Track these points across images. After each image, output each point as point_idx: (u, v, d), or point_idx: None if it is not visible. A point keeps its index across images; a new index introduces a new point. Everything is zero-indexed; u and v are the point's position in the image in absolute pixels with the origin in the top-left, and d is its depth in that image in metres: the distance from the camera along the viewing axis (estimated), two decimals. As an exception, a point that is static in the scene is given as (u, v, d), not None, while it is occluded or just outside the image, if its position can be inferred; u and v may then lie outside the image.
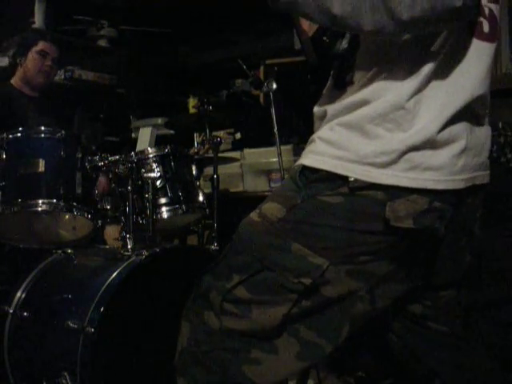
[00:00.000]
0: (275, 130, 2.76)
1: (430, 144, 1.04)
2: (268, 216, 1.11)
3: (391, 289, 1.13)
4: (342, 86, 1.11)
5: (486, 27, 1.12)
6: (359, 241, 1.06)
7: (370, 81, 1.07)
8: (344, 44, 1.12)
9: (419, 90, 1.04)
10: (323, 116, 1.14)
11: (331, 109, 1.12)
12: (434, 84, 1.05)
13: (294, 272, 1.06)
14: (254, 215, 1.14)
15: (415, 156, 1.04)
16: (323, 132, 1.12)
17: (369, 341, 1.34)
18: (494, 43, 1.14)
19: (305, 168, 1.10)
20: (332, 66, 1.17)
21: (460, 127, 1.07)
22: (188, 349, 1.14)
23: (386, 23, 0.96)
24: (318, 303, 1.08)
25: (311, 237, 1.07)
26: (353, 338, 1.14)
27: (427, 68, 1.04)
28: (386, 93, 1.05)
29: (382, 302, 1.13)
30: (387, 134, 1.04)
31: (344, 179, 1.05)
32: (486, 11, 1.12)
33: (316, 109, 1.19)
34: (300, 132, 3.40)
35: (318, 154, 1.10)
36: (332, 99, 1.13)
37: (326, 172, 1.07)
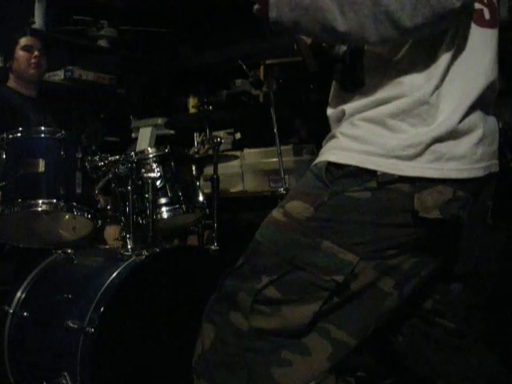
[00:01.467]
0: (275, 130, 2.76)
1: (453, 134, 1.06)
2: (294, 215, 1.10)
3: (416, 283, 1.13)
4: (353, 89, 1.12)
5: (486, 14, 1.13)
6: (387, 235, 1.06)
7: (386, 82, 1.07)
8: (343, 47, 1.13)
9: (439, 83, 1.06)
10: (340, 116, 1.14)
11: (349, 107, 1.11)
12: (451, 76, 1.07)
13: (326, 270, 1.06)
14: (277, 215, 1.13)
15: (439, 147, 1.05)
16: (345, 128, 1.11)
17: (369, 341, 1.33)
18: (496, 28, 1.16)
19: (330, 164, 1.10)
20: (333, 70, 1.17)
21: (476, 116, 1.09)
22: (212, 351, 1.12)
23: (391, 33, 0.98)
24: (348, 299, 1.08)
25: (341, 234, 1.06)
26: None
27: (442, 61, 1.06)
28: (407, 91, 1.06)
29: (408, 297, 1.13)
30: (411, 128, 1.05)
31: (372, 173, 1.05)
32: None
33: (330, 111, 1.19)
34: (300, 135, 3.41)
35: (344, 150, 1.09)
36: (346, 100, 1.13)
37: (353, 167, 1.07)
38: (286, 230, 1.10)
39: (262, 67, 4.13)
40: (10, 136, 2.06)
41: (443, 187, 1.05)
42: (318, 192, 1.09)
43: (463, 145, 1.07)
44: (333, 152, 1.11)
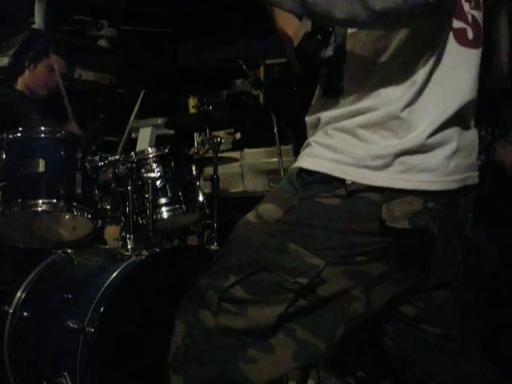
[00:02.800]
0: (275, 130, 2.76)
1: (423, 148, 1.06)
2: (265, 217, 1.12)
3: (386, 290, 1.14)
4: (333, 95, 1.13)
5: (469, 34, 1.14)
6: (355, 242, 1.07)
7: (363, 91, 1.08)
8: (329, 51, 1.13)
9: (413, 100, 1.06)
10: (316, 124, 1.16)
11: (324, 116, 1.13)
12: (428, 92, 1.07)
13: (291, 272, 1.07)
14: (250, 216, 1.15)
15: (409, 159, 1.06)
16: (319, 136, 1.13)
17: (369, 341, 1.34)
18: (478, 49, 1.16)
19: (302, 170, 1.12)
20: (318, 75, 1.17)
21: (451, 131, 1.10)
22: (183, 347, 1.15)
23: (359, 13, 0.96)
24: (314, 303, 1.10)
25: (308, 238, 1.08)
26: (353, 339, 1.15)
27: (420, 77, 1.06)
28: (380, 104, 1.06)
29: (377, 303, 1.14)
30: (383, 140, 1.06)
31: (341, 181, 1.07)
32: (470, 18, 1.14)
33: (308, 118, 1.20)
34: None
35: (315, 157, 1.11)
36: (324, 107, 1.14)
37: (323, 174, 1.09)
38: (255, 230, 1.12)
39: (261, 67, 4.14)
40: (10, 136, 2.06)
41: (413, 198, 1.05)
42: (288, 196, 1.11)
43: (435, 157, 1.07)
44: (305, 159, 1.13)
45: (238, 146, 3.73)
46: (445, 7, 1.03)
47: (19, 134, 2.08)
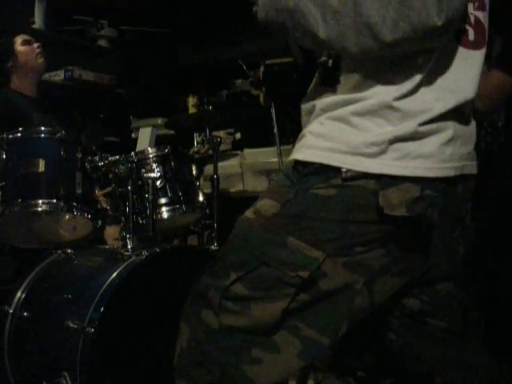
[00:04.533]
0: (275, 130, 2.76)
1: (416, 135, 1.06)
2: (262, 212, 1.11)
3: (389, 283, 1.13)
4: (329, 83, 1.13)
5: (471, 35, 1.14)
6: (354, 232, 1.06)
7: (358, 81, 1.08)
8: None
9: (408, 93, 1.06)
10: (311, 111, 1.15)
11: (320, 103, 1.12)
12: (423, 88, 1.07)
13: (291, 266, 1.07)
14: (248, 213, 1.15)
15: (403, 146, 1.05)
16: (313, 127, 1.13)
17: (369, 341, 1.34)
18: (480, 50, 1.16)
19: (297, 163, 1.11)
20: (318, 65, 1.17)
21: (446, 122, 1.10)
22: (188, 350, 1.14)
23: (371, 45, 0.99)
24: (316, 297, 1.08)
25: (306, 230, 1.07)
26: (353, 339, 1.14)
27: (417, 75, 1.06)
28: (373, 93, 1.06)
29: (380, 296, 1.13)
30: (376, 127, 1.06)
31: (336, 170, 1.06)
32: (472, 19, 1.14)
33: (303, 104, 1.20)
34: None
35: (309, 148, 1.11)
36: (320, 94, 1.14)
37: (318, 164, 1.08)
38: (254, 226, 1.12)
39: (261, 67, 4.14)
40: (10, 136, 2.06)
41: (410, 185, 1.05)
42: (285, 190, 1.10)
43: (430, 144, 1.07)
44: (300, 150, 1.12)
45: (237, 146, 3.74)
46: (454, 27, 1.04)
47: (19, 134, 2.08)
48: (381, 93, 1.06)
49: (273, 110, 2.77)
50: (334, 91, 1.11)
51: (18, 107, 2.68)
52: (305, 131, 1.15)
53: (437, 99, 1.08)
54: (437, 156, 1.08)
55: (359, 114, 1.06)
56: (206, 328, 1.11)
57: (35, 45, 2.83)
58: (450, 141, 1.10)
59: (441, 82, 1.09)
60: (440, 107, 1.07)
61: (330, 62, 1.12)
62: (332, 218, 1.06)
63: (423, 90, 1.07)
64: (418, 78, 1.06)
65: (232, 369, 1.09)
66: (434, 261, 1.17)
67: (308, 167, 1.09)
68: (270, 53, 4.10)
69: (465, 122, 1.15)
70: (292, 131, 3.45)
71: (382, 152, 1.05)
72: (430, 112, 1.07)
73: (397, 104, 1.05)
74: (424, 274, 1.18)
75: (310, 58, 1.17)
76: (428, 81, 1.07)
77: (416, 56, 1.06)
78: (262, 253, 1.09)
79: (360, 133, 1.06)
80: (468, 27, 1.13)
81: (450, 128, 1.10)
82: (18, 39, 2.82)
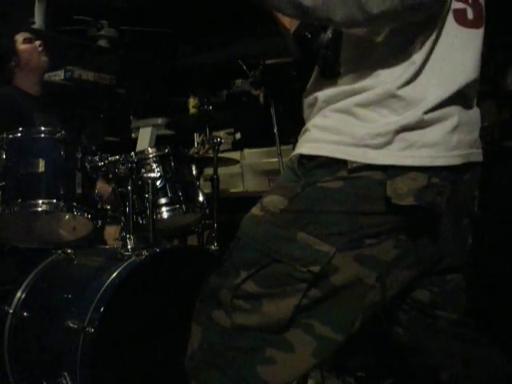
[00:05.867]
0: (275, 130, 2.76)
1: (421, 123, 1.05)
2: (270, 208, 1.10)
3: (400, 276, 1.12)
4: (330, 75, 1.12)
5: (470, 14, 1.13)
6: (363, 223, 1.06)
7: (359, 71, 1.07)
8: (328, 33, 1.13)
9: (411, 79, 1.06)
10: (313, 104, 1.15)
11: (322, 95, 1.12)
12: (426, 72, 1.07)
13: (302, 261, 1.06)
14: (255, 210, 1.14)
15: (409, 135, 1.05)
16: (317, 120, 1.12)
17: (369, 341, 1.33)
18: (480, 29, 1.15)
19: (302, 157, 1.11)
20: (317, 58, 1.17)
21: (451, 108, 1.09)
22: (200, 351, 1.12)
23: (356, 16, 0.98)
24: (328, 293, 1.07)
25: (315, 224, 1.06)
26: (353, 338, 1.14)
27: (418, 57, 1.06)
28: (376, 83, 1.06)
29: (393, 289, 1.12)
30: (381, 118, 1.05)
31: (342, 163, 1.06)
32: None
33: (304, 98, 1.19)
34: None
35: (315, 142, 1.10)
36: (322, 87, 1.13)
37: (324, 158, 1.07)
38: (262, 223, 1.11)
39: (261, 67, 4.14)
40: (10, 136, 2.06)
41: (416, 174, 1.04)
42: (292, 184, 1.10)
43: (436, 132, 1.07)
44: (304, 145, 1.12)
45: (238, 146, 3.74)
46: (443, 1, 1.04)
47: (19, 134, 2.08)
48: (384, 82, 1.05)
49: (273, 110, 2.77)
50: (335, 83, 1.10)
51: (19, 105, 2.68)
52: (308, 125, 1.14)
53: (438, 84, 1.07)
54: (443, 144, 1.07)
55: (363, 105, 1.06)
56: (218, 328, 1.10)
57: (37, 43, 2.82)
58: (456, 128, 1.09)
59: (441, 65, 1.08)
60: (441, 93, 1.07)
61: (329, 53, 1.12)
62: (340, 210, 1.06)
63: (424, 76, 1.06)
64: (418, 62, 1.06)
65: (246, 370, 1.08)
66: (445, 249, 1.17)
67: (314, 161, 1.09)
68: (270, 53, 4.11)
69: (469, 106, 1.14)
70: (292, 131, 3.45)
71: (388, 143, 1.04)
72: (433, 98, 1.06)
73: (400, 92, 1.05)
74: (436, 263, 1.17)
75: (308, 53, 1.17)
76: (428, 65, 1.07)
77: (414, 39, 1.06)
78: (271, 249, 1.08)
79: (365, 124, 1.06)
80: (466, 6, 1.13)
81: (455, 115, 1.09)
82: (19, 37, 2.81)
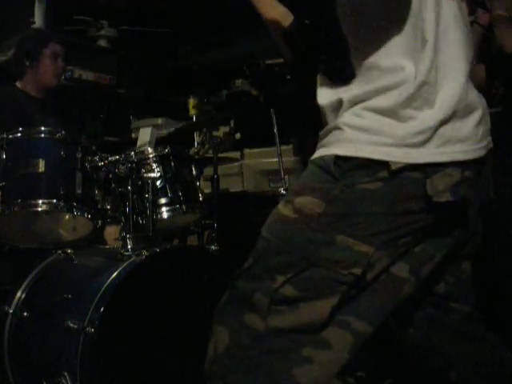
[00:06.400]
0: (275, 130, 2.76)
1: (456, 114, 1.07)
2: (305, 211, 1.08)
3: (433, 266, 1.13)
4: (343, 79, 1.10)
5: None
6: (401, 223, 1.06)
7: (379, 67, 1.06)
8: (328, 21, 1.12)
9: (431, 59, 1.06)
10: (337, 107, 1.11)
11: (349, 96, 1.09)
12: (440, 55, 1.07)
13: (343, 264, 1.05)
14: (286, 211, 1.10)
15: (446, 130, 1.06)
16: (349, 119, 1.09)
17: (369, 341, 1.33)
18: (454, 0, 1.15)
19: (337, 158, 1.08)
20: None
21: (474, 94, 1.11)
22: (226, 355, 1.08)
23: None
24: (364, 290, 1.07)
25: (354, 226, 1.05)
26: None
27: (430, 40, 1.06)
28: (405, 75, 1.05)
29: (423, 279, 1.12)
30: (417, 113, 1.05)
31: (382, 164, 1.05)
32: None
33: (323, 102, 1.16)
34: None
35: (351, 142, 1.08)
36: (342, 87, 1.11)
37: (363, 159, 1.06)
38: (297, 227, 1.08)
39: (261, 67, 4.14)
40: (10, 136, 2.06)
41: (452, 169, 1.05)
42: (328, 186, 1.07)
43: (467, 126, 1.08)
44: (339, 145, 1.09)
45: (238, 146, 3.73)
46: None
47: (19, 134, 2.08)
48: (411, 73, 1.05)
49: (273, 110, 2.77)
50: (357, 82, 1.09)
51: (21, 107, 2.67)
52: (338, 123, 1.10)
53: (452, 64, 1.08)
54: (472, 138, 1.09)
55: (397, 102, 1.05)
56: (252, 332, 1.07)
57: (59, 63, 2.77)
58: (481, 119, 1.11)
59: (448, 43, 1.09)
60: (460, 71, 1.08)
61: (333, 44, 1.10)
62: (380, 211, 1.05)
63: (439, 54, 1.07)
64: (431, 40, 1.06)
65: (280, 373, 1.05)
66: (467, 236, 1.18)
67: (351, 162, 1.06)
68: (270, 53, 4.11)
69: (477, 91, 1.15)
70: (292, 131, 3.45)
71: (427, 140, 1.05)
72: (457, 81, 1.07)
73: (430, 78, 1.05)
74: (460, 249, 1.19)
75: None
76: (439, 43, 1.07)
77: (422, 16, 1.06)
78: (309, 253, 1.06)
79: (403, 123, 1.05)
80: None
81: (480, 105, 1.11)
82: (50, 47, 2.75)
